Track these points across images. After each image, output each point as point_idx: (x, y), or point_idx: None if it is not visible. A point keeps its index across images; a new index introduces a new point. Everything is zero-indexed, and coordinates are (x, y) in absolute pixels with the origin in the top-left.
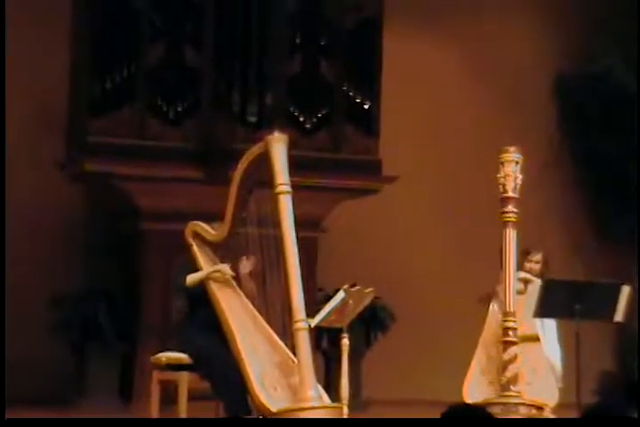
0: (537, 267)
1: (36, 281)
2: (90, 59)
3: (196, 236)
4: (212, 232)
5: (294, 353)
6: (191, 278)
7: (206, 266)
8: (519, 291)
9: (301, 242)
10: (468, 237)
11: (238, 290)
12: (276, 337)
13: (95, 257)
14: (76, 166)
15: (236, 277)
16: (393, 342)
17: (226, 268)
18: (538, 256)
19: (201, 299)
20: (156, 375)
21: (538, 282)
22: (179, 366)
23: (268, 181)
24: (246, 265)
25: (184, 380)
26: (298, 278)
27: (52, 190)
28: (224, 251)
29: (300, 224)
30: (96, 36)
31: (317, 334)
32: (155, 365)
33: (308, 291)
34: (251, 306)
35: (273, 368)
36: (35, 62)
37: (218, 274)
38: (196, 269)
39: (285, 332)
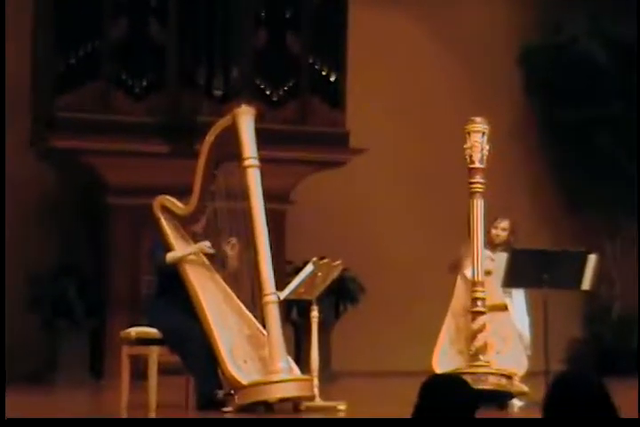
0: (504, 234)
1: (8, 259)
2: (53, 34)
3: (165, 210)
4: (181, 206)
5: (264, 326)
6: (172, 257)
7: (176, 241)
8: (487, 271)
9: (270, 215)
10: (437, 208)
11: (210, 267)
12: (245, 310)
13: (66, 233)
14: (44, 143)
15: (214, 255)
16: (362, 314)
17: (204, 246)
18: (504, 223)
19: (172, 274)
20: (126, 350)
21: (504, 255)
22: (148, 341)
23: (235, 155)
24: (235, 246)
25: (154, 354)
26: (267, 251)
27: (21, 168)
28: (197, 226)
29: (268, 197)
30: (59, 12)
31: (287, 306)
32: (124, 340)
33: (277, 264)
34: (221, 281)
35: (243, 341)
36: None
37: (194, 255)
38: (165, 245)
39: (255, 304)
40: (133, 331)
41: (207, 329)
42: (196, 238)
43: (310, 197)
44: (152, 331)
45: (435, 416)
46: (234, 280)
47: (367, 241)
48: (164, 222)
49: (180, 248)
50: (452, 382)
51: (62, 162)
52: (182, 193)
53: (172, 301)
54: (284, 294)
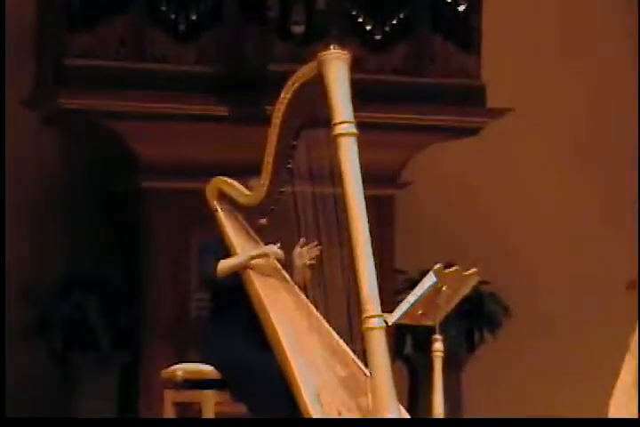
0: None
1: None
2: None
3: (223, 197)
4: (246, 192)
5: (365, 363)
6: (225, 266)
7: (238, 242)
8: None
9: (373, 203)
10: (605, 194)
11: (287, 278)
12: (338, 340)
13: (79, 231)
14: (50, 103)
15: (285, 263)
16: (506, 346)
17: (274, 250)
18: None
19: (233, 290)
20: (170, 395)
21: None
22: (201, 383)
23: (323, 119)
24: (303, 253)
25: (210, 401)
26: (368, 256)
27: (18, 140)
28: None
29: (369, 178)
30: None
31: (398, 334)
32: (167, 381)
33: (382, 274)
34: (304, 299)
35: (335, 384)
36: None
37: (262, 260)
38: (225, 246)
39: (352, 332)
40: (180, 369)
41: (284, 365)
42: (264, 236)
43: (429, 178)
44: (206, 369)
45: None
46: (321, 297)
47: (510, 241)
48: (221, 215)
49: (243, 251)
50: None
51: (75, 130)
52: (247, 173)
53: (235, 327)
54: (393, 318)
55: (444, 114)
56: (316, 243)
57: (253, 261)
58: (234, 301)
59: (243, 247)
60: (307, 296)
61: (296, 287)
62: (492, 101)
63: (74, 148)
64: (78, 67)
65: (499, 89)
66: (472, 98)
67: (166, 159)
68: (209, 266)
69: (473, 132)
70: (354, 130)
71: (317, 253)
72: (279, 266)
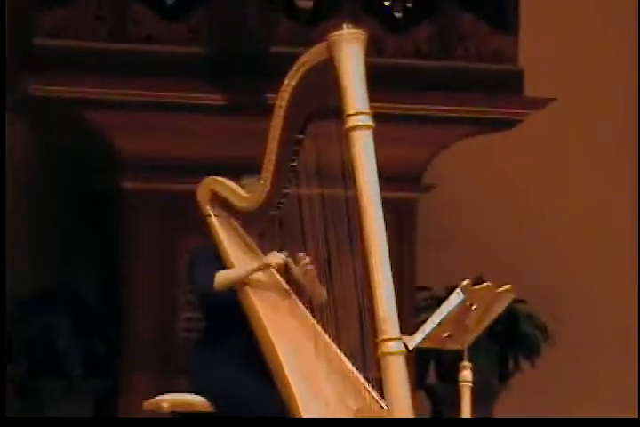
0: None
1: None
2: None
3: (218, 200)
4: (243, 194)
5: (382, 394)
6: (223, 279)
7: (234, 252)
8: None
9: (391, 209)
10: None
11: (290, 293)
12: (351, 368)
13: (48, 238)
14: (16, 90)
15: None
16: (544, 375)
17: (276, 260)
18: None
19: (230, 308)
20: None
21: None
22: (191, 417)
23: (334, 109)
24: (309, 270)
25: None
26: (386, 269)
27: None
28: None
29: (387, 179)
30: None
31: (420, 361)
32: (151, 414)
33: (402, 290)
34: (310, 319)
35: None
36: None
37: (263, 274)
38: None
39: (366, 358)
40: (166, 400)
41: (287, 398)
42: (264, 244)
43: (456, 179)
44: (197, 400)
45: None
46: (330, 317)
47: (552, 253)
48: (215, 221)
49: (240, 264)
50: None
51: (46, 121)
52: (245, 172)
53: (231, 351)
54: (415, 341)
55: (474, 104)
56: (308, 260)
57: (252, 276)
58: (230, 320)
59: (239, 259)
60: (314, 315)
61: (300, 304)
62: (531, 90)
63: (44, 141)
64: (49, 47)
65: (538, 75)
66: (508, 85)
67: (151, 155)
68: (206, 277)
69: (508, 124)
70: (370, 122)
71: (314, 271)
72: (282, 281)
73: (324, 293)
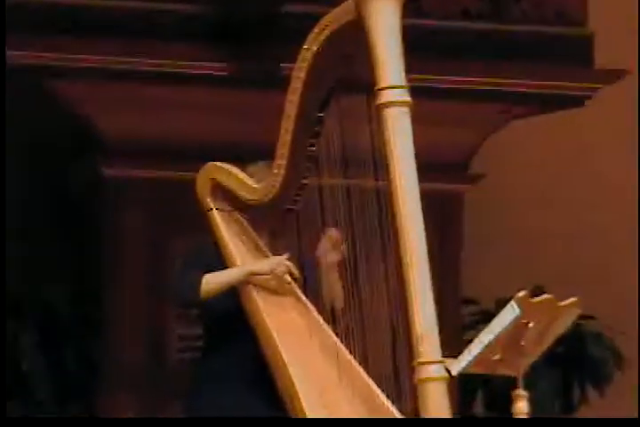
0: None
1: None
2: None
3: (221, 191)
4: (252, 184)
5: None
6: (211, 284)
7: (242, 254)
8: None
9: (432, 203)
10: None
11: (305, 302)
12: (380, 396)
13: (14, 238)
14: None
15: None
16: (616, 406)
17: (281, 268)
18: None
19: (229, 321)
20: None
21: None
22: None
23: (362, 82)
24: (332, 250)
25: None
26: (424, 277)
27: None
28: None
29: (428, 168)
30: None
31: (466, 388)
32: None
33: (445, 303)
34: (331, 334)
35: None
36: None
37: (268, 276)
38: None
39: (400, 384)
40: None
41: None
42: (277, 244)
43: (510, 169)
44: None
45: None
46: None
47: (628, 260)
48: (217, 217)
49: (244, 264)
50: None
51: (11, 95)
52: (254, 157)
53: (233, 371)
54: (459, 366)
55: (533, 76)
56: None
57: (256, 278)
58: (231, 335)
59: (245, 261)
60: (333, 327)
61: (316, 314)
62: (602, 58)
63: (10, 121)
64: (15, 5)
65: (610, 42)
66: (574, 54)
67: (139, 137)
68: (188, 284)
69: (575, 101)
70: (406, 98)
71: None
72: (295, 285)
73: (341, 287)
